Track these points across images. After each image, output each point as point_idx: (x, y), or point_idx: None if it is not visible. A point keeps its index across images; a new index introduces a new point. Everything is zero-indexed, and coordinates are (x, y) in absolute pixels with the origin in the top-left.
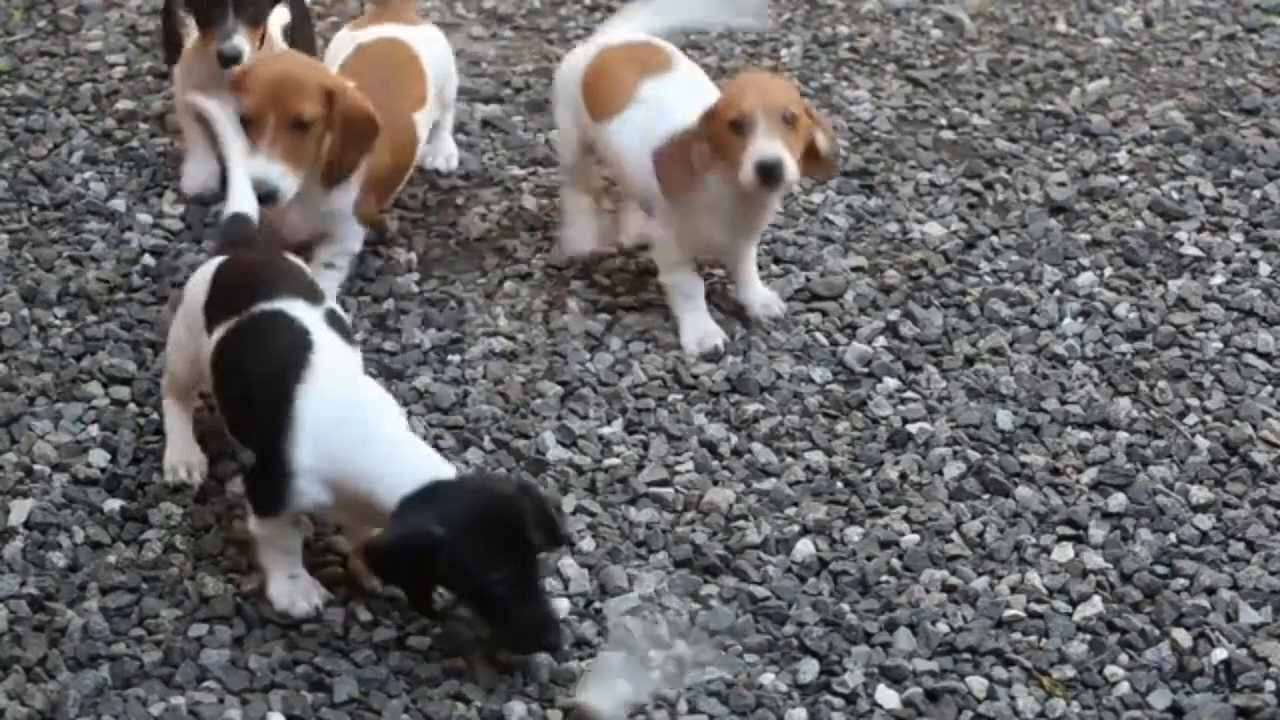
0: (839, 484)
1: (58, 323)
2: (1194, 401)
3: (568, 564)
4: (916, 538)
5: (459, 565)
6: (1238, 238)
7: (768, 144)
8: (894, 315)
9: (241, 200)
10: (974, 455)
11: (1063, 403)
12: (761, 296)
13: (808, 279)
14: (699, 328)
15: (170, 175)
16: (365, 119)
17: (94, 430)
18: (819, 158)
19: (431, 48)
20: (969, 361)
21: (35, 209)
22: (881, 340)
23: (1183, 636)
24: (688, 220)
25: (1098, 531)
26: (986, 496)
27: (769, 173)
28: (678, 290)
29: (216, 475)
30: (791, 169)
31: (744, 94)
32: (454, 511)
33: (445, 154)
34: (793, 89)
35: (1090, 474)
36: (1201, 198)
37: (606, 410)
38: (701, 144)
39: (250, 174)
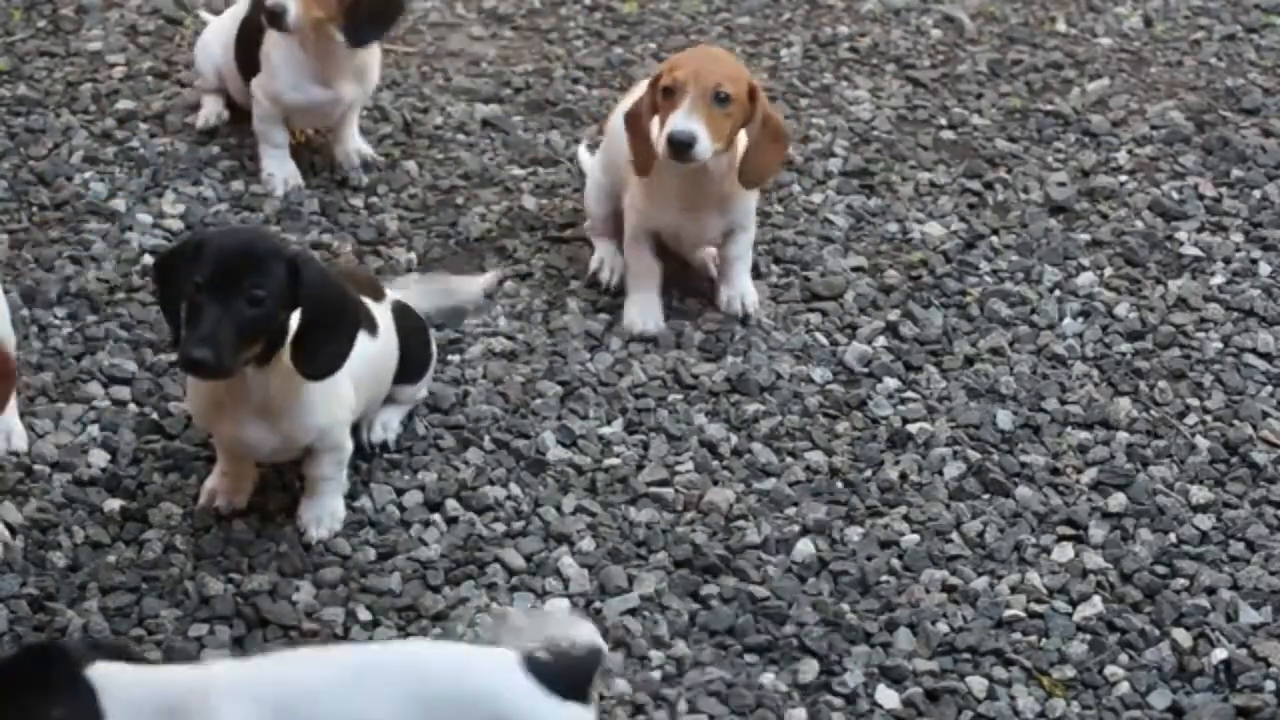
0: (839, 484)
1: (58, 323)
2: (1194, 401)
3: (568, 564)
4: (916, 538)
5: (172, 262)
6: (1238, 238)
7: (684, 118)
8: (894, 315)
9: None
10: (974, 455)
11: (1063, 403)
12: (728, 292)
13: (808, 279)
14: (639, 308)
15: (170, 175)
16: None
17: (94, 430)
18: (772, 140)
19: None
20: (969, 361)
21: (35, 209)
22: (881, 340)
23: (1183, 636)
24: (643, 192)
25: (1098, 531)
26: (986, 496)
27: (679, 147)
28: (630, 269)
29: None
30: (705, 146)
31: (682, 63)
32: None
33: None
34: (738, 68)
35: (1090, 474)
36: (1201, 198)
37: (606, 410)
38: (651, 112)
39: None
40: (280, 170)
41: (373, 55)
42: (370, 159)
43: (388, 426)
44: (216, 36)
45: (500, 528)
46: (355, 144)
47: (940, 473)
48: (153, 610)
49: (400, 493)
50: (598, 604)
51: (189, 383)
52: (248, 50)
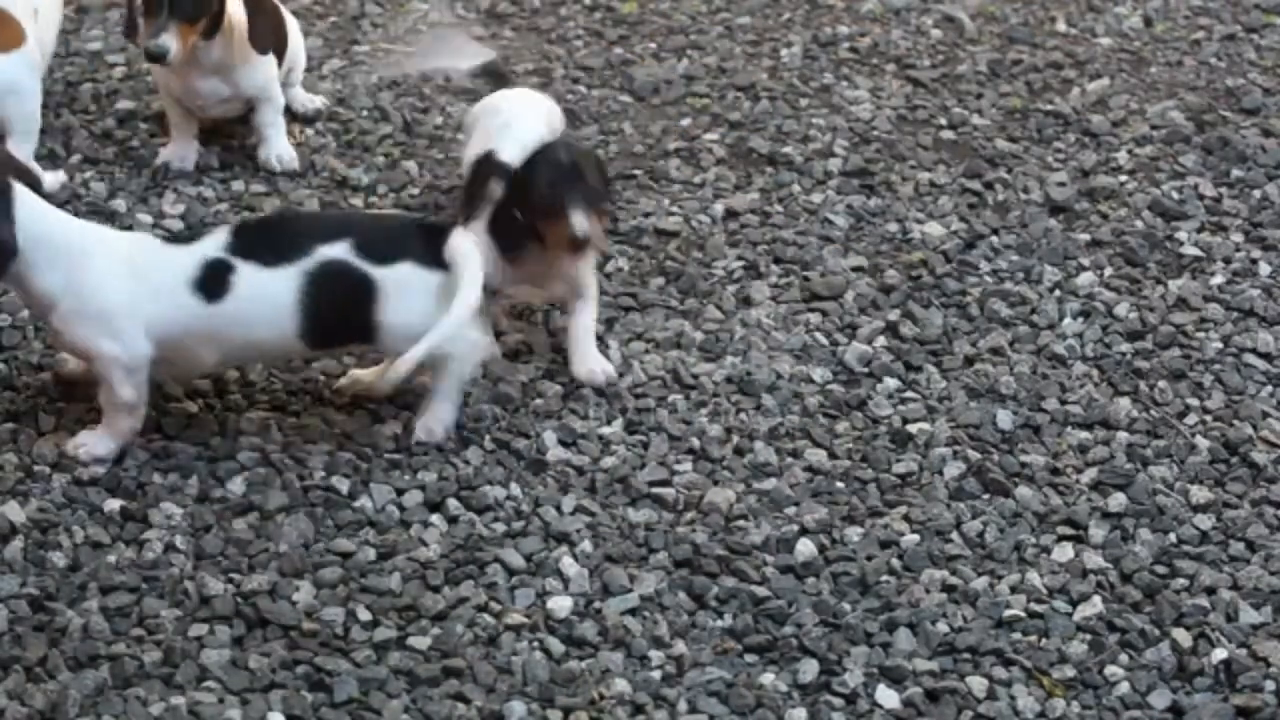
0: (839, 484)
1: None
2: (1194, 401)
3: (568, 564)
4: (916, 538)
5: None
6: (1238, 238)
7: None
8: (894, 315)
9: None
10: (974, 455)
11: (1063, 403)
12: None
13: (807, 279)
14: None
15: (170, 175)
16: None
17: None
18: None
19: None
20: (969, 361)
21: None
22: (881, 340)
23: (1183, 636)
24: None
25: (1098, 531)
26: (986, 496)
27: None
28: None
29: (217, 475)
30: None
31: None
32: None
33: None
34: None
35: (1090, 474)
36: (1201, 198)
37: (606, 410)
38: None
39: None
40: (169, 151)
41: (239, 60)
42: (290, 161)
43: (443, 422)
44: None
45: (500, 528)
46: (277, 149)
47: (940, 473)
48: (153, 610)
49: (400, 493)
50: (598, 604)
51: None
52: None
